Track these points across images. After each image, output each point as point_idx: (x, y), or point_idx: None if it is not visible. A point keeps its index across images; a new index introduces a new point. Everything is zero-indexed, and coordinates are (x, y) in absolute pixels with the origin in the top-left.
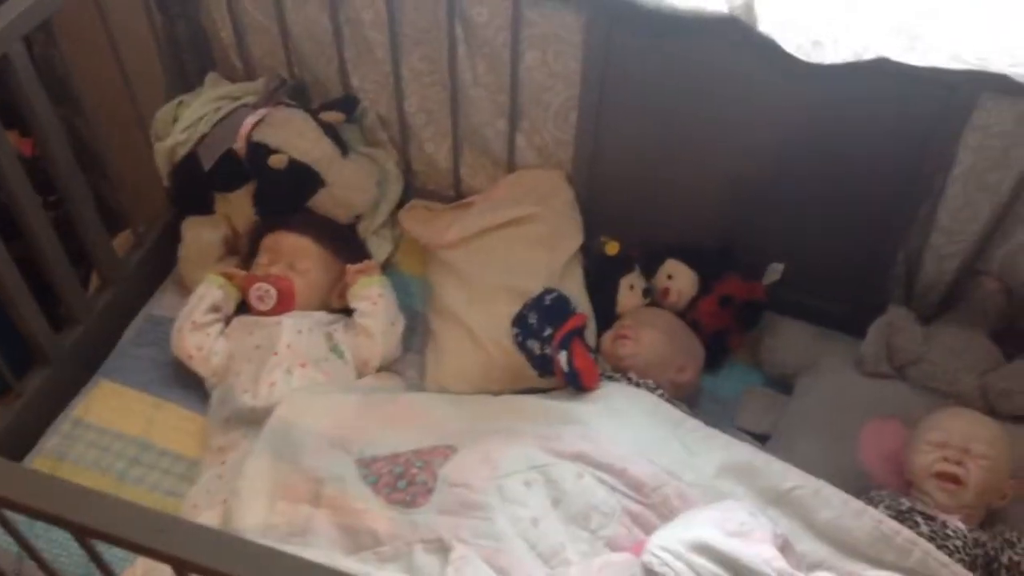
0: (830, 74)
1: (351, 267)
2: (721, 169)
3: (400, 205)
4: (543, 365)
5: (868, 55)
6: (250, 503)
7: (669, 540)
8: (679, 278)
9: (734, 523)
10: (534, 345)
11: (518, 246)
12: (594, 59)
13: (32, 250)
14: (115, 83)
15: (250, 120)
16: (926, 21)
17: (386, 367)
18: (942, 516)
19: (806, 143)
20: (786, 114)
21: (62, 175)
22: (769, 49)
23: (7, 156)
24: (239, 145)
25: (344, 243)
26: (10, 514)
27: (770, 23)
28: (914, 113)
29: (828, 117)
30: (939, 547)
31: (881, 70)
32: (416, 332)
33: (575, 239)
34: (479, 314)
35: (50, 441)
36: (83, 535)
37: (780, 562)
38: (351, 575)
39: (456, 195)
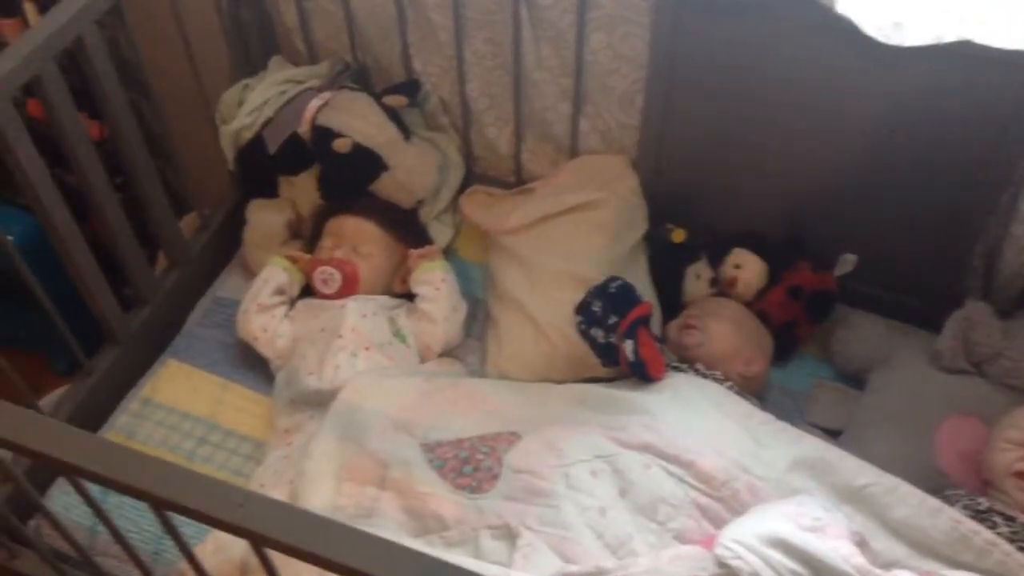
0: (909, 57)
1: (413, 252)
2: (792, 156)
3: (461, 191)
4: (607, 354)
5: (949, 37)
6: (317, 484)
7: (742, 533)
8: (747, 267)
9: (808, 518)
10: (598, 333)
11: (581, 233)
12: (662, 41)
13: (102, 231)
14: (181, 66)
15: (315, 104)
16: (1009, 1)
17: (447, 353)
18: (1022, 517)
19: (881, 129)
20: (862, 99)
21: (131, 158)
22: (846, 31)
23: (81, 139)
24: (304, 129)
25: (407, 228)
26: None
27: (848, 3)
28: (995, 97)
29: (906, 102)
30: (1020, 549)
31: (963, 53)
32: (476, 319)
33: (639, 226)
34: (541, 301)
35: (119, 419)
36: (160, 507)
37: (858, 558)
38: (429, 554)
39: (517, 181)
